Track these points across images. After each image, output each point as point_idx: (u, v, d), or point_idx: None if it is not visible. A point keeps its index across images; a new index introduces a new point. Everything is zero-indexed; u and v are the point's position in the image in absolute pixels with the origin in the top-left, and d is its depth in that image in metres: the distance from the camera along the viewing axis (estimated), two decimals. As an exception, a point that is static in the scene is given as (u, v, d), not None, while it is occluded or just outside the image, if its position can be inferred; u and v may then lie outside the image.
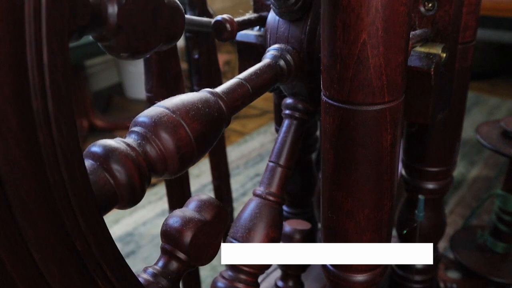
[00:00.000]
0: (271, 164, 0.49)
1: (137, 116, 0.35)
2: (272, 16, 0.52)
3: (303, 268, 0.63)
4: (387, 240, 0.44)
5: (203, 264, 0.40)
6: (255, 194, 0.48)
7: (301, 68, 0.49)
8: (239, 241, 0.45)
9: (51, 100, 0.23)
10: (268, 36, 0.52)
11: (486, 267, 0.95)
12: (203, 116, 0.36)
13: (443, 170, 0.62)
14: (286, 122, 0.51)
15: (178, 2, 0.37)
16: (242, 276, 0.45)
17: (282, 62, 0.47)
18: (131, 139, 0.33)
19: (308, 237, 0.60)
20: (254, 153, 1.66)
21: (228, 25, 0.49)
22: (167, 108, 0.35)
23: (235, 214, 0.98)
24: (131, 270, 0.32)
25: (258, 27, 0.58)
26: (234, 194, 1.38)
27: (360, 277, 0.44)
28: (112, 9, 0.31)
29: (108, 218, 1.32)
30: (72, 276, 0.27)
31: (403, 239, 0.71)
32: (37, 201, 0.24)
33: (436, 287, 0.78)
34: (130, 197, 0.31)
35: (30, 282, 0.24)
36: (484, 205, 1.22)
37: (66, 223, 0.25)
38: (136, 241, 1.21)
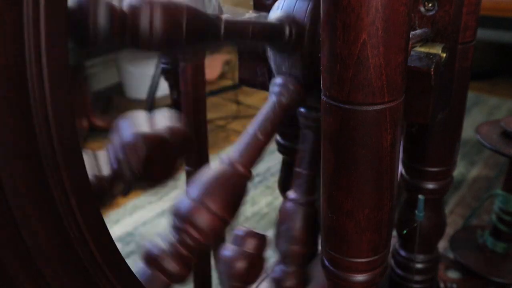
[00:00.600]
0: (249, 134, 0.46)
1: None
2: (275, 7, 0.52)
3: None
4: (387, 240, 0.44)
5: (153, 183, 0.39)
6: (222, 161, 0.44)
7: (302, 37, 0.49)
8: (194, 199, 0.41)
9: (50, 100, 0.23)
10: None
11: (486, 267, 0.95)
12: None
13: (443, 170, 0.62)
14: (272, 99, 0.49)
15: None
16: (189, 241, 0.40)
17: (286, 26, 0.49)
18: None
19: (263, 247, 0.54)
20: (254, 153, 1.66)
21: (228, 25, 0.49)
22: None
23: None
24: (131, 270, 0.32)
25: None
26: (234, 194, 1.38)
27: (360, 277, 0.44)
28: None
29: (108, 218, 1.32)
30: (72, 276, 0.27)
31: (403, 239, 0.71)
32: (37, 202, 0.24)
33: (436, 287, 0.78)
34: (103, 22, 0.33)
35: (30, 282, 0.24)
36: (484, 205, 1.22)
37: (66, 224, 0.25)
38: (136, 241, 1.21)
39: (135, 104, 2.17)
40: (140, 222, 1.29)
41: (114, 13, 0.33)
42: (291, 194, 0.62)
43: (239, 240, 0.51)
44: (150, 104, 1.85)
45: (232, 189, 0.42)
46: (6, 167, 0.22)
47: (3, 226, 0.22)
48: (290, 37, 0.49)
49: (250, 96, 2.19)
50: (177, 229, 0.40)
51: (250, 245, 0.51)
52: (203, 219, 0.40)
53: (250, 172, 0.45)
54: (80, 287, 0.27)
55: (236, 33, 0.43)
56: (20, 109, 0.22)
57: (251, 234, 0.52)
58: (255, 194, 1.39)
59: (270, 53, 0.55)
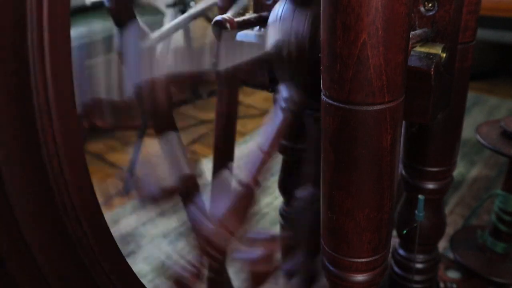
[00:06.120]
0: (261, 152, 0.50)
1: None
2: (273, 14, 0.52)
3: None
4: (387, 240, 0.44)
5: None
6: (238, 183, 0.48)
7: (303, 50, 0.50)
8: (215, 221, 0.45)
9: (54, 100, 0.23)
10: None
11: (486, 267, 0.95)
12: None
13: (443, 170, 0.62)
14: (280, 115, 0.51)
15: None
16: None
17: (284, 47, 0.49)
18: None
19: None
20: (254, 153, 1.66)
21: (228, 25, 0.49)
22: None
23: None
24: (131, 268, 0.32)
25: (258, 27, 0.58)
26: (234, 194, 1.38)
27: (360, 277, 0.44)
28: None
29: (108, 218, 1.32)
30: (72, 275, 0.27)
31: (403, 239, 0.71)
32: (39, 203, 0.24)
33: (436, 287, 0.78)
34: None
35: (30, 280, 0.24)
36: (484, 205, 1.22)
37: (68, 225, 0.25)
38: (136, 241, 1.21)
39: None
40: (140, 222, 1.29)
41: None
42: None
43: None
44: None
45: (248, 207, 0.47)
46: (8, 168, 0.22)
47: (4, 225, 0.22)
48: (289, 57, 0.49)
49: (250, 96, 2.19)
50: (199, 250, 0.44)
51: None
52: (224, 240, 0.44)
53: (259, 184, 0.49)
54: (80, 286, 0.27)
55: (238, 75, 0.45)
56: (23, 111, 0.22)
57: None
58: (255, 194, 1.39)
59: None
